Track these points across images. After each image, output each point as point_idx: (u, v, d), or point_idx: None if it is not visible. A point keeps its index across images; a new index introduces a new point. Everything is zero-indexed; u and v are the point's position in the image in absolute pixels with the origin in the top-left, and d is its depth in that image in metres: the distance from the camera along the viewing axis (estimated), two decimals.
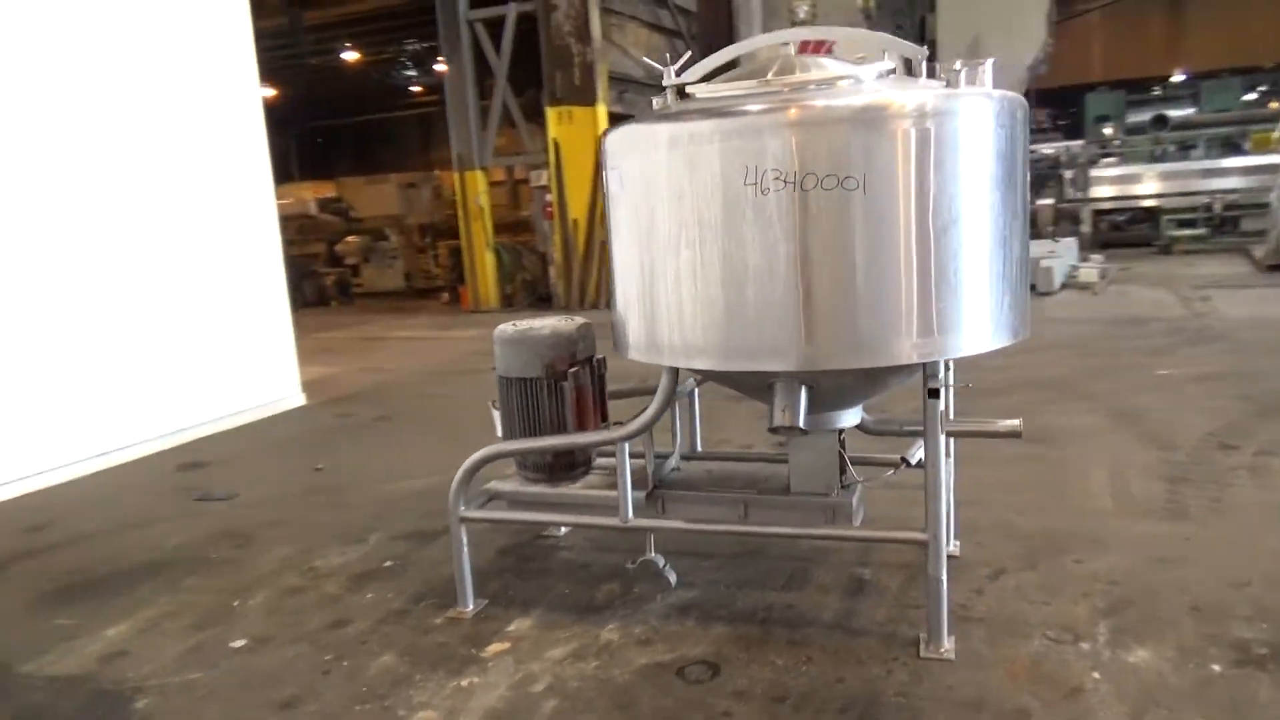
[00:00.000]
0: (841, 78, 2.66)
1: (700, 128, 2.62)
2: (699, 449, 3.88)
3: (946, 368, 3.37)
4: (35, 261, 5.37)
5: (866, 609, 3.18)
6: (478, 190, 13.07)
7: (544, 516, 3.36)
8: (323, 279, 15.78)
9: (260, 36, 7.15)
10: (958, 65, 2.76)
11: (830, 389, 2.96)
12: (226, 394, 6.53)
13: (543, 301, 13.03)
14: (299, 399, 7.23)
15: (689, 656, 2.93)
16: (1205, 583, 3.20)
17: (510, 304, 13.30)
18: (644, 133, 2.80)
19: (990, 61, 2.86)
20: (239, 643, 3.23)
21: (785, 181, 2.52)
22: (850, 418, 3.21)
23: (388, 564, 3.85)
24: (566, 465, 3.49)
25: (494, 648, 3.07)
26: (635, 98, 14.19)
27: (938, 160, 2.54)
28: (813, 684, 2.72)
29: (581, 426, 3.37)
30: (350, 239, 16.89)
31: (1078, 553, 3.52)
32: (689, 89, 2.83)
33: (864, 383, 2.97)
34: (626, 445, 3.13)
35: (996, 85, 2.81)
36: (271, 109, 7.75)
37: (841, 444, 3.22)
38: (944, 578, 2.83)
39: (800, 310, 2.60)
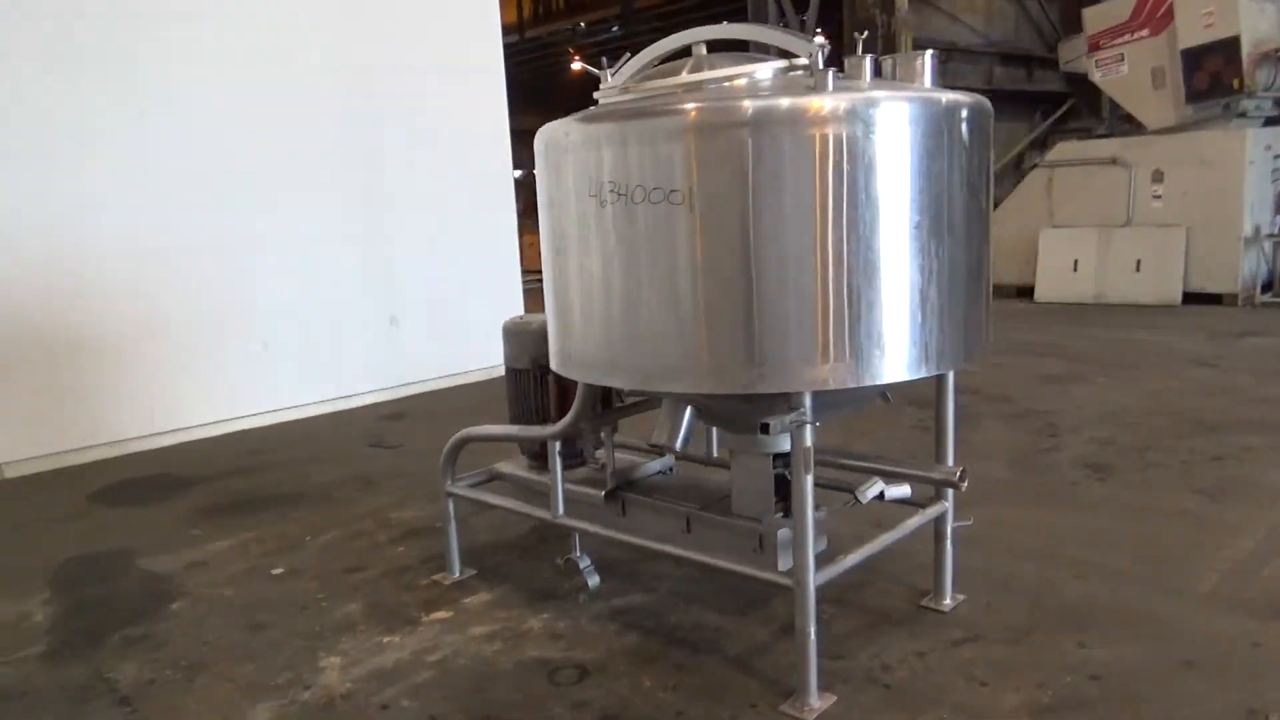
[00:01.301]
0: (729, 78, 2.48)
1: (561, 135, 2.60)
2: (715, 453, 3.79)
3: (885, 399, 3.03)
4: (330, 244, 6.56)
5: (786, 649, 2.95)
6: None
7: (501, 501, 3.52)
8: None
9: (592, 24, 7.90)
10: (861, 58, 2.44)
11: (723, 412, 2.80)
12: (452, 356, 7.42)
13: None
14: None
15: (575, 659, 2.97)
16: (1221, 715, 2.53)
17: None
18: (540, 136, 2.82)
19: (929, 54, 2.49)
20: (277, 570, 3.84)
21: (618, 194, 2.44)
22: (785, 442, 2.98)
23: (439, 524, 4.26)
24: (543, 454, 3.62)
25: (437, 615, 3.35)
26: (963, 67, 13.23)
27: (773, 174, 2.29)
28: (654, 711, 2.64)
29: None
30: None
31: (1095, 633, 2.93)
32: (598, 94, 2.79)
33: (757, 409, 2.75)
34: (557, 443, 3.21)
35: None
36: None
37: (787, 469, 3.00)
38: (811, 630, 2.57)
39: (634, 329, 2.51)
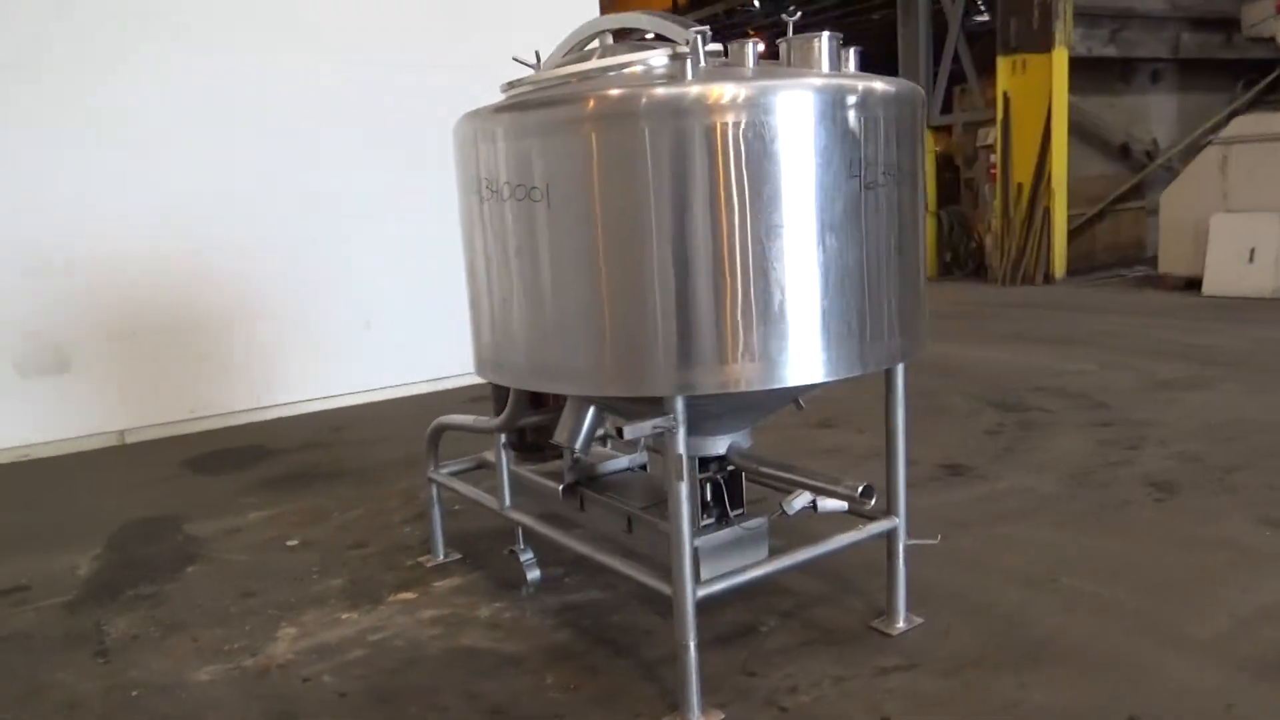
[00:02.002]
0: (612, 68, 2.41)
1: (457, 129, 2.60)
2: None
3: (796, 405, 2.86)
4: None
5: (706, 659, 2.84)
6: None
7: (467, 490, 3.58)
8: None
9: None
10: (744, 42, 2.31)
11: (627, 413, 2.73)
12: None
13: (976, 274, 12.00)
14: None
15: (501, 650, 3.00)
16: None
17: (949, 273, 12.50)
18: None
19: (826, 36, 2.32)
20: (292, 542, 4.11)
21: (492, 190, 2.42)
22: (713, 446, 2.87)
23: (456, 508, 4.40)
24: (532, 446, 3.66)
25: (403, 595, 3.47)
26: (1140, 35, 12.03)
27: (619, 169, 2.20)
28: (540, 710, 2.63)
29: (539, 410, 3.51)
30: None
31: (1047, 674, 2.64)
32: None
33: (659, 412, 2.66)
34: (502, 436, 3.24)
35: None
36: None
37: (722, 477, 2.90)
38: (690, 644, 2.47)
39: (508, 327, 2.49)
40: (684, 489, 2.42)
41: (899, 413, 2.90)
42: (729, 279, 2.25)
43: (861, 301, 2.41)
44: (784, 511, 2.76)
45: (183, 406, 6.25)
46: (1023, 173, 11.10)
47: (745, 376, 2.33)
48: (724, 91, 2.15)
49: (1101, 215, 12.01)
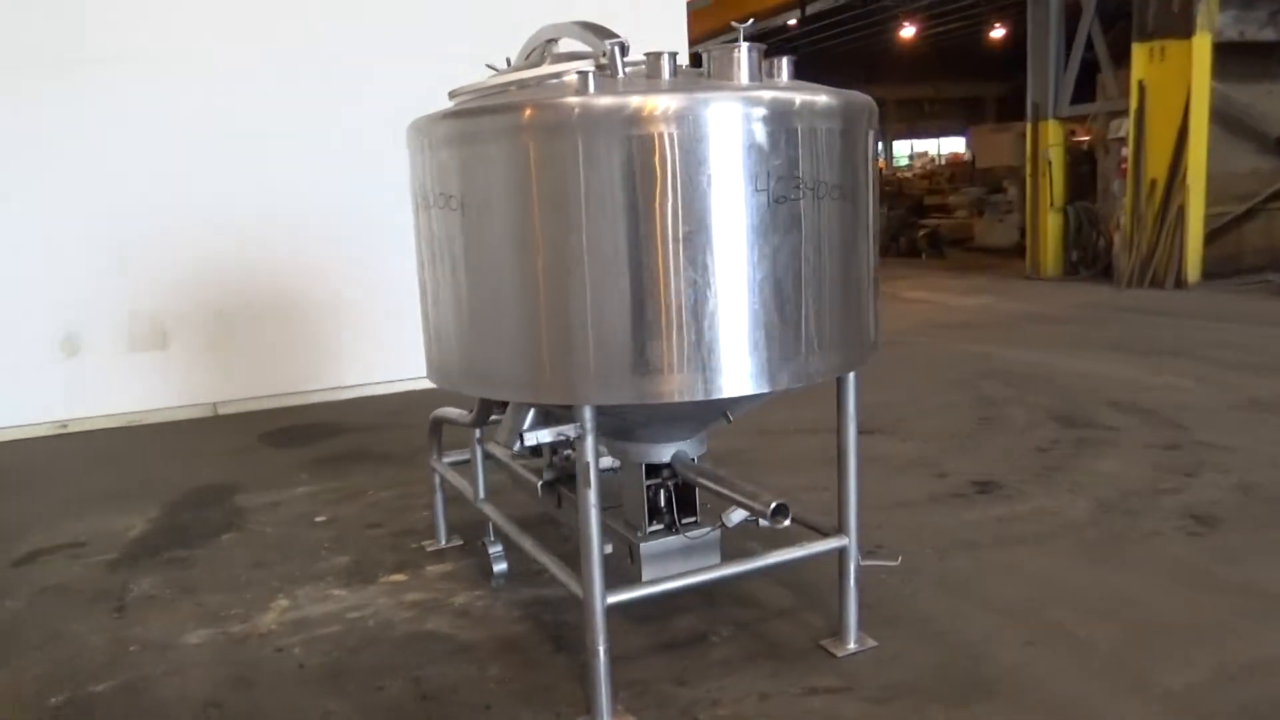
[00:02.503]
0: (531, 80, 2.45)
1: (407, 135, 2.69)
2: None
3: (725, 419, 2.81)
4: None
5: (651, 662, 2.87)
6: (1048, 143, 11.72)
7: (455, 480, 3.68)
8: (918, 230, 15.85)
9: None
10: (659, 54, 2.30)
11: (567, 419, 2.77)
12: None
13: (1105, 275, 11.25)
14: None
15: (459, 638, 3.12)
16: None
17: (1075, 273, 11.79)
18: None
19: (745, 47, 2.29)
20: (320, 518, 4.37)
21: (425, 198, 2.51)
22: (658, 453, 2.87)
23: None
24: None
25: (394, 577, 3.64)
26: None
27: (521, 180, 2.24)
28: (470, 699, 2.73)
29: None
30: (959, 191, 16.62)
31: (980, 711, 2.53)
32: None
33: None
34: (478, 431, 3.34)
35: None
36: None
37: (673, 484, 2.91)
38: (600, 649, 2.50)
39: (441, 331, 2.58)
40: (591, 495, 2.45)
41: (850, 429, 2.82)
42: (632, 292, 2.25)
43: (786, 315, 2.36)
44: (723, 524, 2.76)
45: (270, 383, 6.71)
46: (1157, 168, 10.33)
47: (660, 389, 2.32)
48: (612, 103, 2.16)
49: (1251, 214, 11.02)
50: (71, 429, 6.19)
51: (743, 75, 2.31)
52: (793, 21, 24.71)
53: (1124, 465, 4.50)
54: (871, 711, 2.57)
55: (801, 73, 2.44)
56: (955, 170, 20.38)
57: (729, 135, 2.20)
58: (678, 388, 2.34)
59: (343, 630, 3.22)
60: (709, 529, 2.90)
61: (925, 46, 31.15)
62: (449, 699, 2.75)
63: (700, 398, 2.37)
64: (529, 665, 2.91)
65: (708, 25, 19.12)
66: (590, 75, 2.21)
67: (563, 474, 3.45)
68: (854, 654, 2.87)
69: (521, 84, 2.49)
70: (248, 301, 6.63)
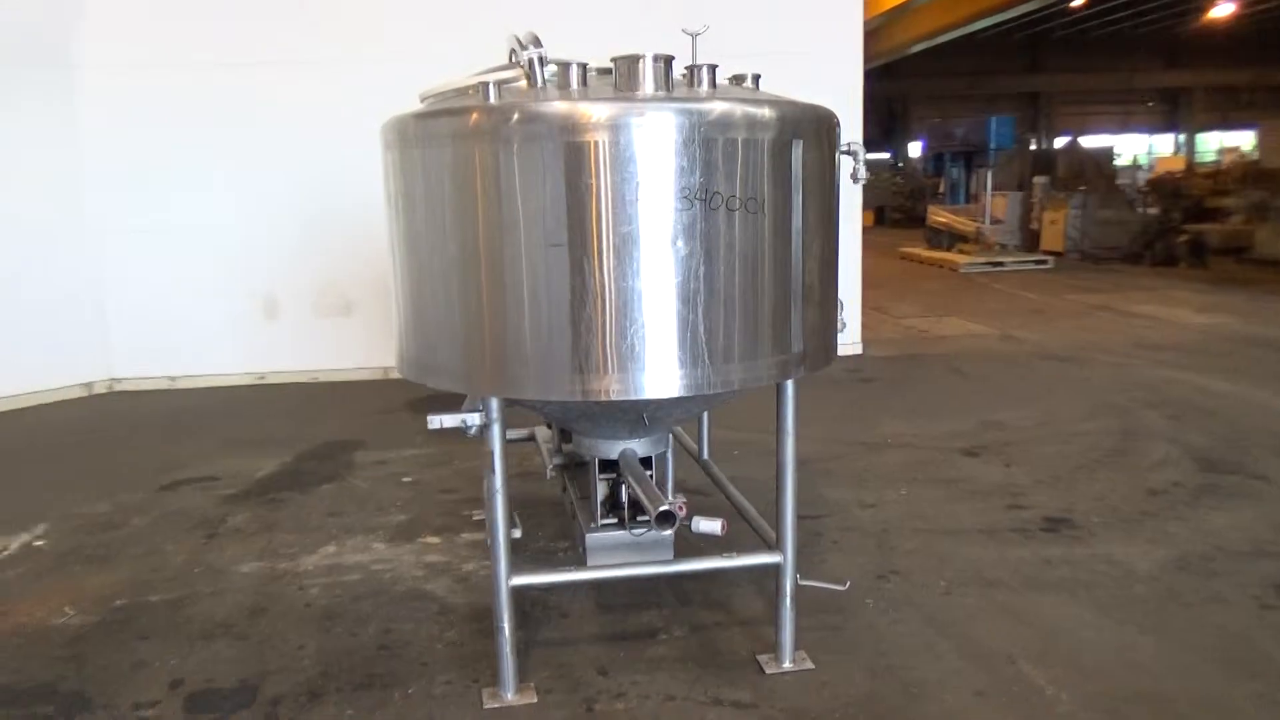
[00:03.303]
0: (470, 87, 2.61)
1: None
2: (705, 454, 3.73)
3: (643, 421, 2.82)
4: None
5: (579, 639, 2.98)
6: None
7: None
8: (1178, 236, 14.12)
9: None
10: (568, 64, 2.40)
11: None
12: None
13: None
14: (855, 347, 7.79)
15: (445, 601, 3.38)
16: None
17: None
18: None
19: (649, 56, 2.35)
20: (408, 479, 4.81)
21: (387, 194, 2.75)
22: (607, 449, 2.96)
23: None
24: None
25: (430, 539, 3.98)
26: None
27: (436, 184, 2.42)
28: (405, 651, 2.97)
29: None
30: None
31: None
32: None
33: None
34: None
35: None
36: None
37: (622, 477, 3.00)
38: (505, 626, 2.65)
39: (405, 326, 2.82)
40: (496, 480, 2.61)
41: (787, 442, 2.75)
42: (531, 292, 2.37)
43: (701, 320, 2.38)
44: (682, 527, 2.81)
45: None
46: None
47: (566, 387, 2.43)
48: (502, 111, 2.28)
49: None
50: (267, 381, 7.17)
51: (647, 85, 2.35)
52: (1078, 2, 22.75)
53: (1242, 521, 3.93)
54: None
55: (1086, 58, 2.36)
56: (1246, 169, 17.89)
57: (629, 143, 2.25)
58: (579, 387, 2.43)
59: (360, 579, 3.59)
60: (648, 529, 2.94)
61: (1246, 26, 27.51)
62: (398, 652, 3.02)
63: (578, 398, 2.45)
64: (483, 634, 3.11)
65: (942, 19, 18.14)
66: (490, 86, 2.35)
67: (573, 460, 3.62)
68: (783, 673, 2.81)
69: (460, 91, 2.66)
70: None
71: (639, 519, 2.99)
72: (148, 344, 7.08)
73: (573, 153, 2.27)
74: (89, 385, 6.95)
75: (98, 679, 2.90)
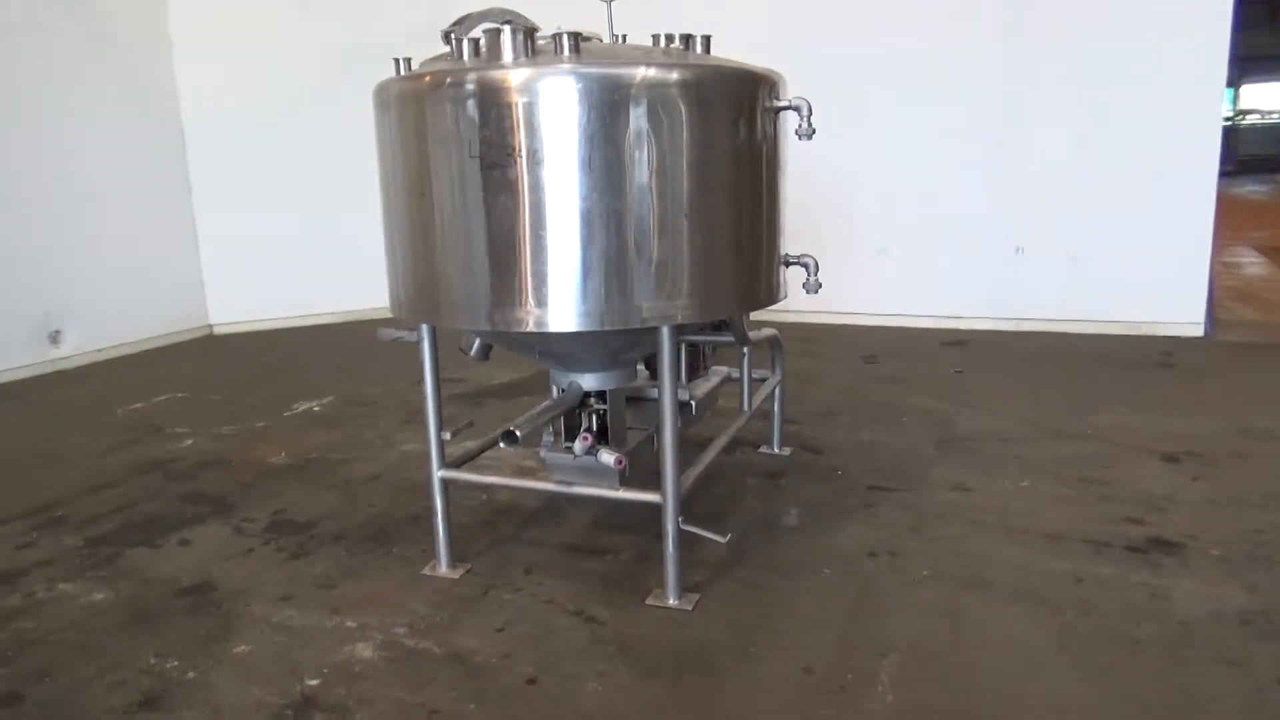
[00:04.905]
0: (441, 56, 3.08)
1: None
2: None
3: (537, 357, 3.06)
4: None
5: (526, 546, 3.39)
6: None
7: None
8: None
9: None
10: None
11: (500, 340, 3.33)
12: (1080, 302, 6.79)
13: None
14: (1195, 328, 6.57)
15: (458, 501, 3.99)
16: None
17: None
18: None
19: (508, 29, 2.68)
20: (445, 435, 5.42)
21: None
22: (558, 379, 3.27)
23: None
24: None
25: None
26: None
27: (397, 139, 2.91)
28: (370, 535, 3.64)
29: None
30: None
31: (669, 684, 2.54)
32: None
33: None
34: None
35: None
36: None
37: (592, 410, 3.31)
38: (438, 519, 3.19)
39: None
40: (427, 388, 3.14)
41: (665, 389, 2.86)
42: (443, 237, 2.82)
43: (594, 264, 2.66)
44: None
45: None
46: None
47: (480, 318, 2.84)
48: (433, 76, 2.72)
49: None
50: None
51: (506, 54, 2.65)
52: None
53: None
54: (597, 649, 2.76)
55: None
56: None
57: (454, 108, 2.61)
58: (487, 319, 2.83)
59: (413, 474, 4.28)
60: (578, 455, 3.19)
61: None
62: (384, 524, 3.69)
63: (481, 327, 2.83)
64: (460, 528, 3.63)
65: None
66: (399, 62, 2.83)
67: None
68: (657, 607, 2.95)
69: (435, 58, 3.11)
70: None
71: (567, 444, 3.26)
72: None
73: (449, 113, 2.66)
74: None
75: (243, 498, 4.06)
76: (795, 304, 7.31)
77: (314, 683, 2.59)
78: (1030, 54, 6.67)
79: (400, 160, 2.87)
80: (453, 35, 2.82)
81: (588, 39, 2.88)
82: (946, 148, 6.99)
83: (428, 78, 2.72)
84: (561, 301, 2.69)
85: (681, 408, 3.83)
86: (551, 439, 3.39)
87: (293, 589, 3.18)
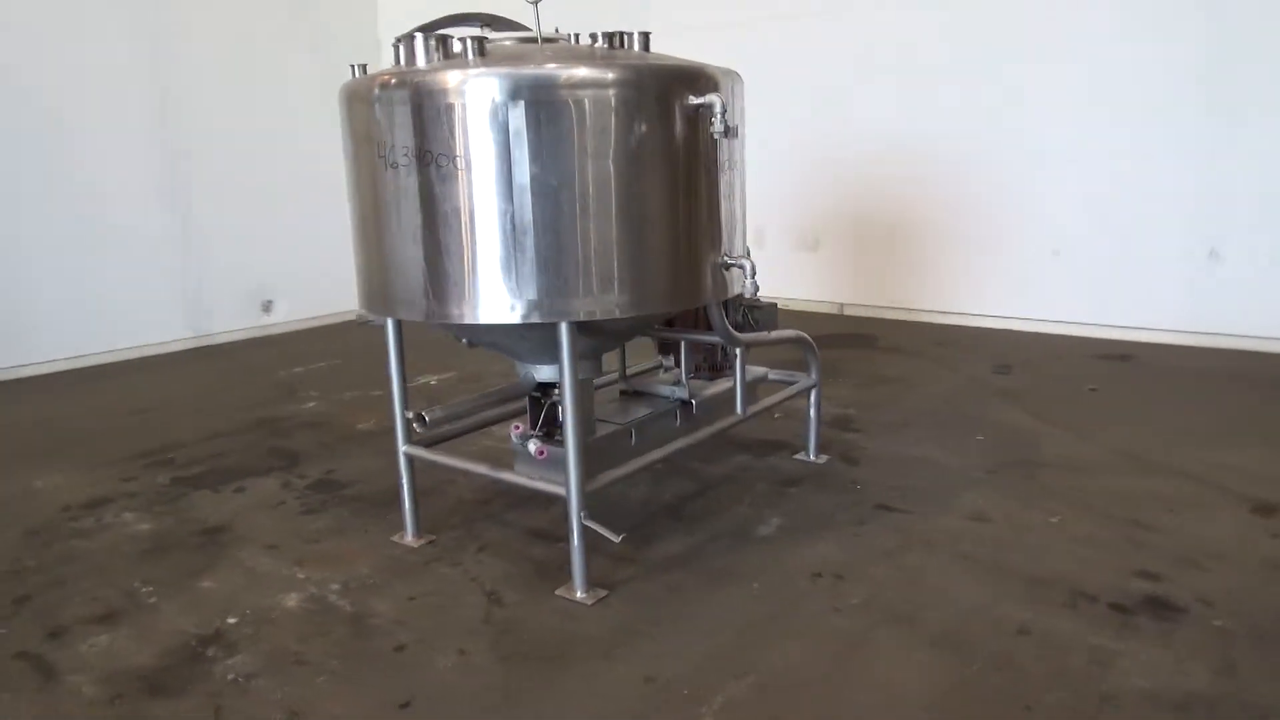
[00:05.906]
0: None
1: None
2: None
3: (469, 344, 3.17)
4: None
5: (493, 521, 3.53)
6: None
7: None
8: None
9: None
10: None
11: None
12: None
13: None
14: None
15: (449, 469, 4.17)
16: None
17: None
18: None
19: (420, 36, 2.87)
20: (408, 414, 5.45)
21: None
22: (523, 371, 3.38)
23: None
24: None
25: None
26: None
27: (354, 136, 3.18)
28: (370, 490, 3.91)
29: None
30: None
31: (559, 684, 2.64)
32: None
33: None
34: None
35: None
36: None
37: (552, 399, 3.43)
38: (404, 489, 3.44)
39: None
40: (391, 370, 3.38)
41: (567, 382, 2.89)
42: (385, 232, 3.07)
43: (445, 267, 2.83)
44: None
45: (888, 296, 7.43)
46: None
47: (414, 309, 3.09)
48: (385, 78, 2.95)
49: None
50: None
51: (419, 59, 2.81)
52: None
53: None
54: (480, 629, 2.88)
55: None
56: None
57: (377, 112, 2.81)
58: (427, 312, 3.05)
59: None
60: (513, 443, 3.34)
61: None
62: (368, 487, 3.98)
63: (450, 321, 3.02)
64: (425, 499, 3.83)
65: None
66: (355, 68, 3.07)
67: (632, 388, 4.01)
68: (564, 599, 3.00)
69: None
70: (881, 221, 7.41)
71: (526, 435, 3.37)
72: None
73: (361, 116, 2.89)
74: None
75: (313, 457, 4.55)
76: (958, 305, 6.94)
77: (232, 621, 2.95)
78: (1240, 29, 5.71)
79: (345, 161, 3.11)
80: (398, 42, 3.02)
81: (501, 40, 2.98)
82: (1139, 141, 6.17)
83: (350, 84, 2.94)
84: (470, 297, 2.83)
85: (682, 406, 3.84)
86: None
87: (282, 539, 3.58)
